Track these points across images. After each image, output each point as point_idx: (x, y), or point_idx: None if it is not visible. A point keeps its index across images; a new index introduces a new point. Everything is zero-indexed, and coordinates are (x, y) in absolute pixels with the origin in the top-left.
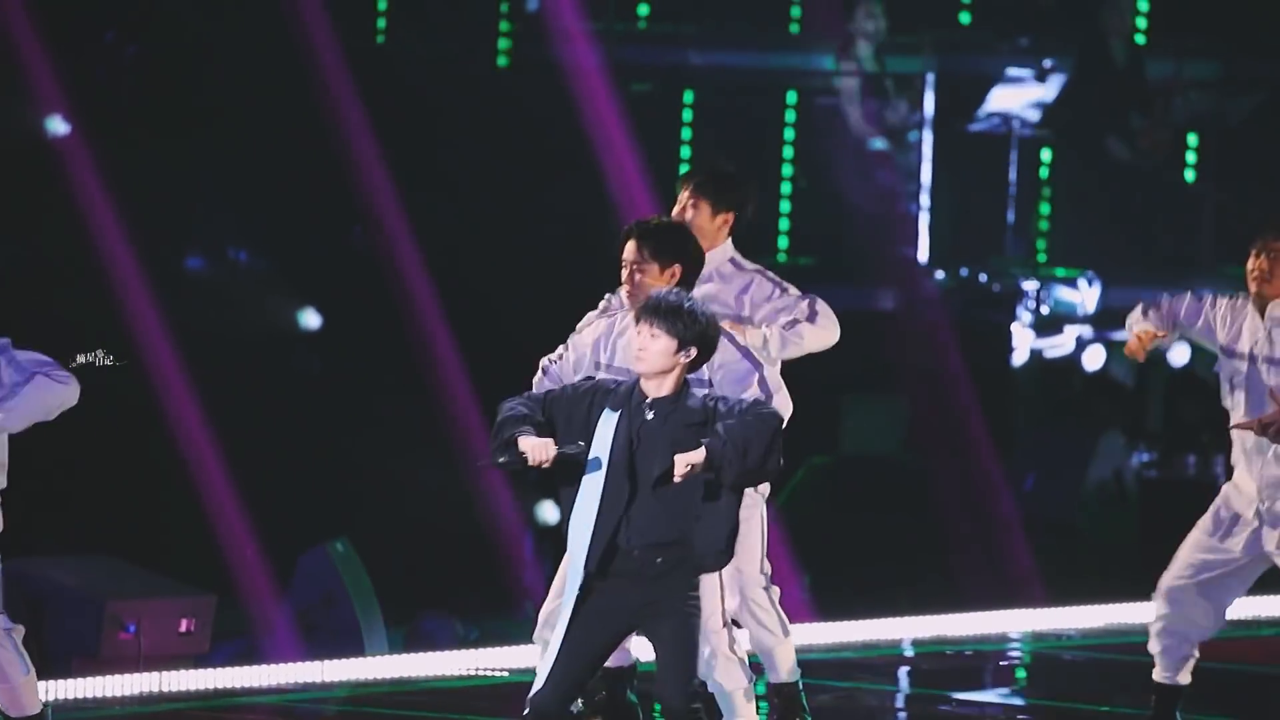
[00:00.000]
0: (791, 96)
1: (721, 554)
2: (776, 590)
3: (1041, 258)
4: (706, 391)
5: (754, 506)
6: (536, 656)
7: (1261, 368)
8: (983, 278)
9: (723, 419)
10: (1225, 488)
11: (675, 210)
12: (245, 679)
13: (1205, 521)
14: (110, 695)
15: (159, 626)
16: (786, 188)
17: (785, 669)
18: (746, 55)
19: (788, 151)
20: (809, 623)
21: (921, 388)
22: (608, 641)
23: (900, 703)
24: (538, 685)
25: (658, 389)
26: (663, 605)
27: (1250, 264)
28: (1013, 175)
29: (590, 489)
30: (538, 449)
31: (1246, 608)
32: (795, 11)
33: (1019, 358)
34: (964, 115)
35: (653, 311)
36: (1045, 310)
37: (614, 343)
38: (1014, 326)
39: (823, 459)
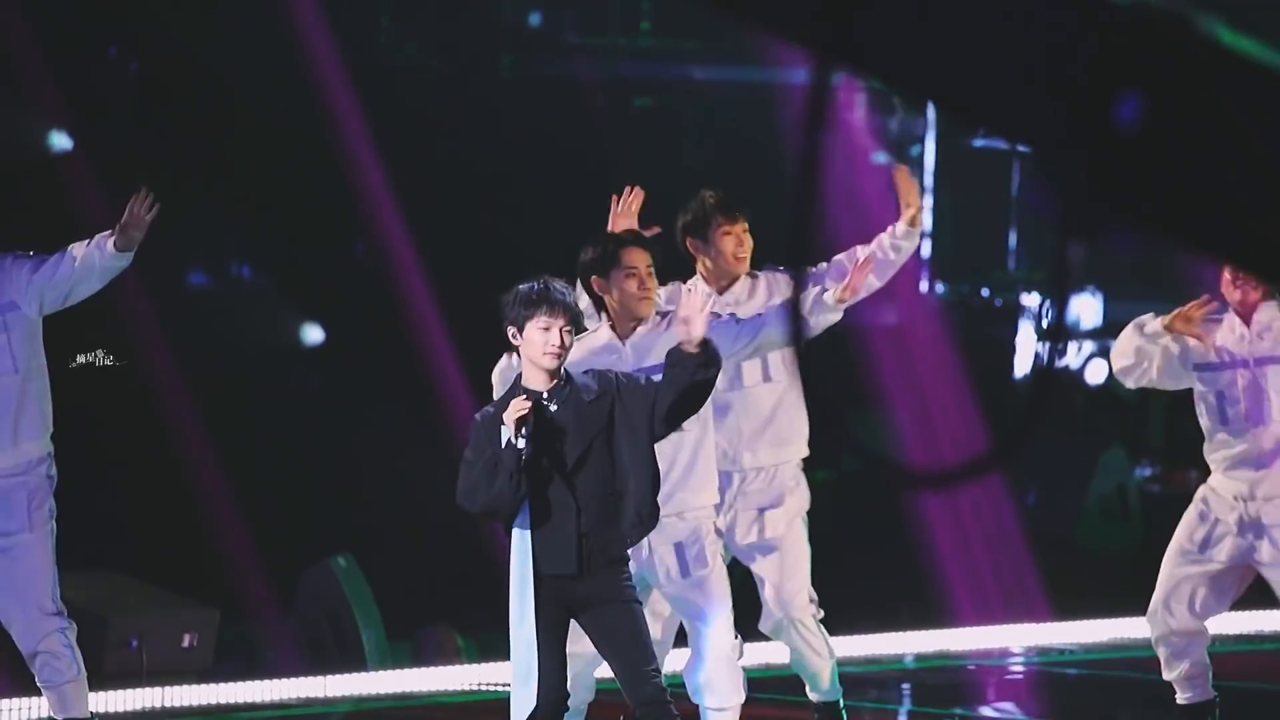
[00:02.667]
0: (794, 110)
1: (644, 525)
2: (821, 612)
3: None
4: (586, 370)
5: (798, 523)
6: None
7: (1258, 372)
8: (985, 292)
9: (626, 380)
10: (1203, 493)
11: (734, 245)
12: (248, 694)
13: (1184, 532)
14: (113, 710)
15: (162, 641)
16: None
17: (826, 686)
18: (749, 69)
19: (789, 166)
20: None
21: (923, 401)
22: (564, 632)
23: (903, 718)
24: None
25: (550, 379)
26: (601, 593)
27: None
28: (1015, 189)
29: (538, 494)
30: (516, 406)
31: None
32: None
33: (1021, 372)
34: (968, 129)
35: (572, 311)
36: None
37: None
38: (1016, 340)
39: (825, 473)
